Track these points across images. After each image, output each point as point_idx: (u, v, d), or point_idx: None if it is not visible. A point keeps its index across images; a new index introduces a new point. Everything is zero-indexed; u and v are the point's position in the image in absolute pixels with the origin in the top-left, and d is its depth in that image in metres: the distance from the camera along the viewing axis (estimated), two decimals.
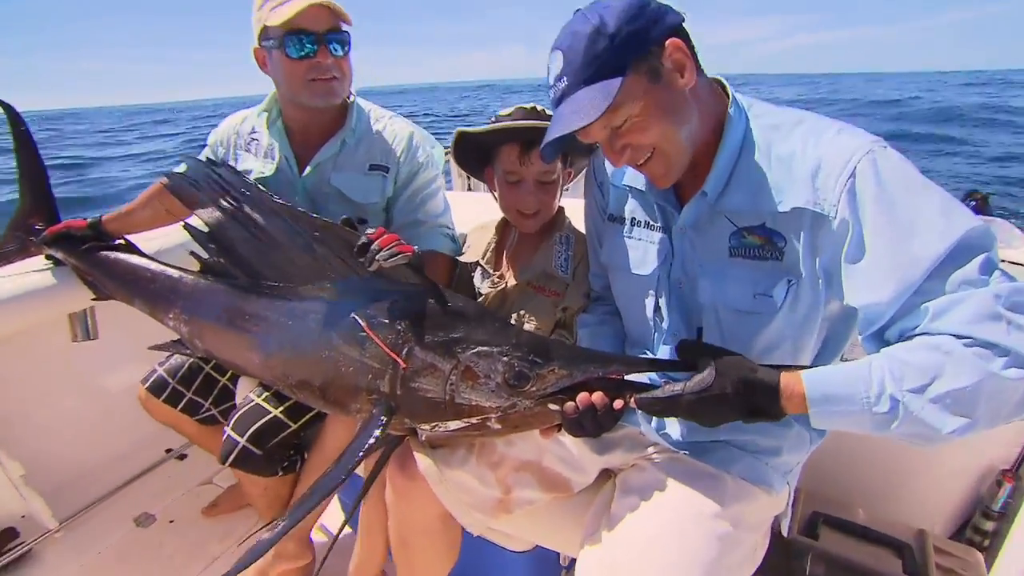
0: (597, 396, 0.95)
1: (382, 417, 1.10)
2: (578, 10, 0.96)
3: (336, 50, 1.44)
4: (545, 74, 1.01)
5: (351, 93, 1.57)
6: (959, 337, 0.79)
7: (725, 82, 1.06)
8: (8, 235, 1.84)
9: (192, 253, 1.54)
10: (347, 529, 1.47)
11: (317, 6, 1.37)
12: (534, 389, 1.00)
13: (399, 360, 1.09)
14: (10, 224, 1.84)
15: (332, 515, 1.83)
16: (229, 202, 1.36)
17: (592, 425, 0.96)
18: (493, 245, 1.50)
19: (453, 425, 1.08)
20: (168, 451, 2.30)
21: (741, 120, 1.02)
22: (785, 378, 0.89)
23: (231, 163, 1.65)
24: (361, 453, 1.08)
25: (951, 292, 0.81)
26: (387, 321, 1.14)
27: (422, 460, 1.20)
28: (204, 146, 1.79)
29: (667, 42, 0.94)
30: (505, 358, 1.02)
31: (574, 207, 1.46)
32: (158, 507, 2.07)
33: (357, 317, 1.16)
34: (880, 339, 0.90)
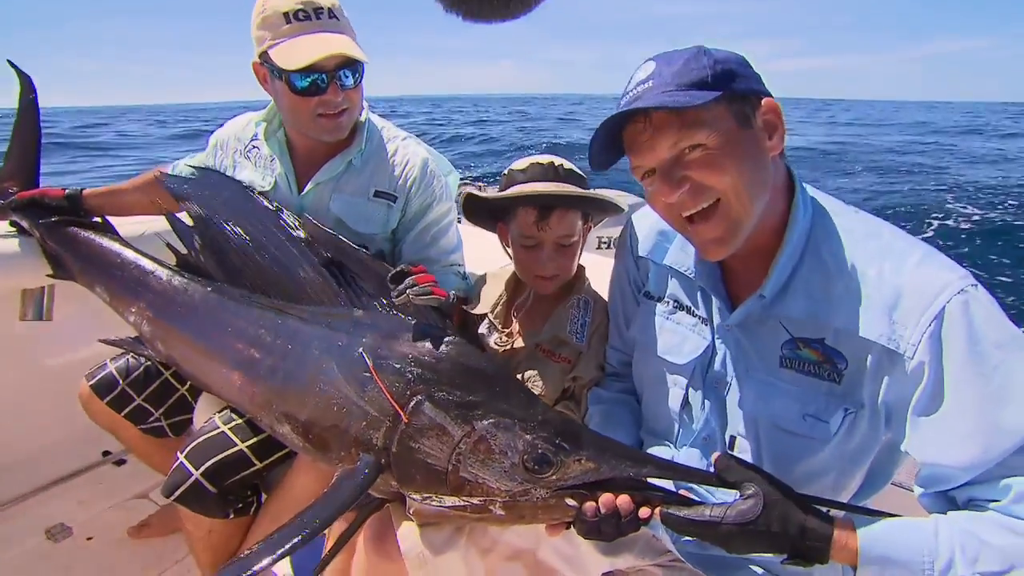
0: (623, 500, 0.83)
1: (366, 471, 0.96)
2: None
3: (347, 81, 1.31)
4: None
5: (363, 107, 1.45)
6: None
7: (793, 171, 0.97)
8: None
9: (168, 245, 1.39)
10: None
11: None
12: (554, 478, 0.87)
13: (401, 412, 0.95)
14: None
15: None
16: (230, 212, 1.26)
17: (611, 531, 0.84)
18: (504, 299, 1.37)
19: (449, 501, 0.93)
20: (105, 454, 2.06)
21: (808, 214, 0.93)
22: (839, 528, 0.80)
23: (228, 169, 1.53)
24: (333, 510, 0.93)
25: None
26: (398, 365, 1.00)
27: (405, 539, 1.04)
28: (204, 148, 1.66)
29: (765, 99, 0.87)
30: (528, 435, 0.90)
31: (595, 264, 1.35)
32: (78, 519, 1.82)
33: (364, 353, 1.03)
34: (945, 499, 0.83)
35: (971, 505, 0.80)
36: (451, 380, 0.98)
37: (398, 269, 1.03)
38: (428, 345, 1.02)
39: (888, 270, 0.85)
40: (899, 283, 0.84)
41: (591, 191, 1.23)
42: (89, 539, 1.77)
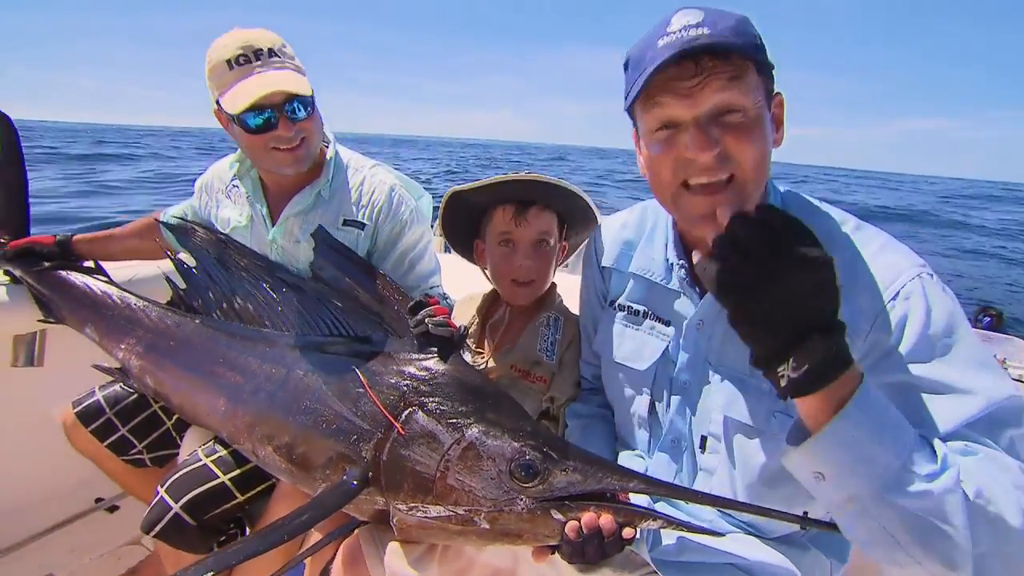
0: (606, 520, 0.83)
1: (353, 482, 0.97)
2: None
3: (298, 114, 1.33)
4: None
5: (327, 142, 1.49)
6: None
7: None
8: None
9: (168, 279, 1.44)
10: None
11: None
12: (540, 487, 0.88)
13: (395, 422, 0.97)
14: None
15: None
16: (226, 255, 1.37)
17: (595, 552, 0.83)
18: (478, 319, 1.38)
19: (434, 511, 0.93)
20: (98, 501, 2.05)
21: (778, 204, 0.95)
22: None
23: (213, 209, 1.59)
24: (312, 516, 0.94)
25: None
26: (392, 381, 1.04)
27: (376, 565, 1.02)
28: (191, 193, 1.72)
29: (776, 95, 0.88)
30: (516, 443, 0.91)
31: (566, 284, 1.37)
32: (68, 568, 1.80)
33: (359, 371, 1.07)
34: None
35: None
36: (445, 392, 1.00)
37: (416, 300, 1.09)
38: (423, 361, 1.06)
39: (848, 258, 0.86)
40: (858, 269, 0.85)
41: (568, 184, 1.23)
42: None
